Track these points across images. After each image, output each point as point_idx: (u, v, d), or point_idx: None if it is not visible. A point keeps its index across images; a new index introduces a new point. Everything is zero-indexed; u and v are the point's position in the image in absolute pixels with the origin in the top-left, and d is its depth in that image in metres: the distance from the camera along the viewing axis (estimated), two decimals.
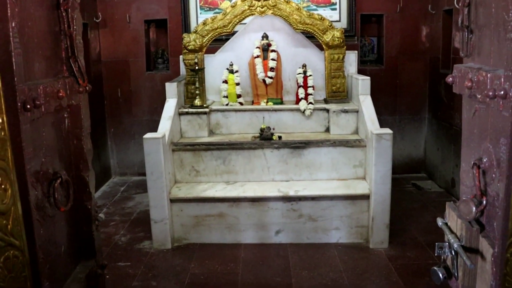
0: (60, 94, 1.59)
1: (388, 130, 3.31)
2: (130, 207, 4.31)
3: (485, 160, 1.43)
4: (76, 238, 1.80)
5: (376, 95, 4.38)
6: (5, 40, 1.29)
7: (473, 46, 1.56)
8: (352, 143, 3.54)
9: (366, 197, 3.37)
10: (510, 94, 1.25)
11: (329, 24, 3.91)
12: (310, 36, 4.12)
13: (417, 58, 4.87)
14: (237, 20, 3.91)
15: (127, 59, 4.94)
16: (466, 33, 1.58)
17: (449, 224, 1.64)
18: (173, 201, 3.42)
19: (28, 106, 1.35)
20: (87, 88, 1.80)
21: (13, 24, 1.31)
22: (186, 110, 3.83)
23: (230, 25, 3.91)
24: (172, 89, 3.79)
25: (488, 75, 1.36)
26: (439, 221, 1.66)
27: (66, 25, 1.70)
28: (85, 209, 1.82)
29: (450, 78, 1.63)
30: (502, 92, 1.26)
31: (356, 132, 3.80)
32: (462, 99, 1.63)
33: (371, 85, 3.80)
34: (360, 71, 4.45)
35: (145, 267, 3.19)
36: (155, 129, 3.57)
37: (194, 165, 3.60)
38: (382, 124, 3.63)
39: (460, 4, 1.59)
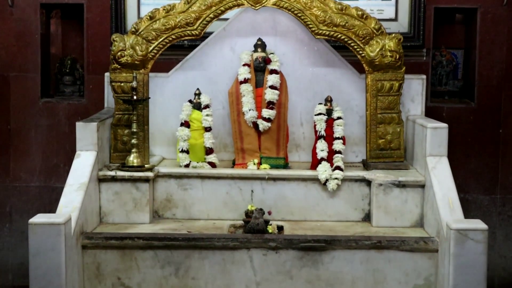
0: None
1: (479, 224, 3.48)
2: None
3: None
4: None
5: (458, 155, 4.66)
6: None
7: None
8: (413, 245, 3.68)
9: None
10: None
11: (376, 27, 4.18)
12: (340, 46, 4.42)
13: None
14: (212, 15, 4.17)
15: (5, 73, 5.18)
16: None
17: None
18: None
19: None
20: None
21: None
22: (113, 173, 4.03)
23: (199, 22, 4.16)
24: (88, 134, 3.99)
25: None
26: None
27: None
28: None
29: None
30: None
31: (421, 224, 3.99)
32: None
33: (451, 137, 4.04)
34: (430, 111, 4.72)
35: None
36: (53, 207, 3.74)
37: (121, 275, 3.72)
38: (469, 210, 3.79)
39: None
